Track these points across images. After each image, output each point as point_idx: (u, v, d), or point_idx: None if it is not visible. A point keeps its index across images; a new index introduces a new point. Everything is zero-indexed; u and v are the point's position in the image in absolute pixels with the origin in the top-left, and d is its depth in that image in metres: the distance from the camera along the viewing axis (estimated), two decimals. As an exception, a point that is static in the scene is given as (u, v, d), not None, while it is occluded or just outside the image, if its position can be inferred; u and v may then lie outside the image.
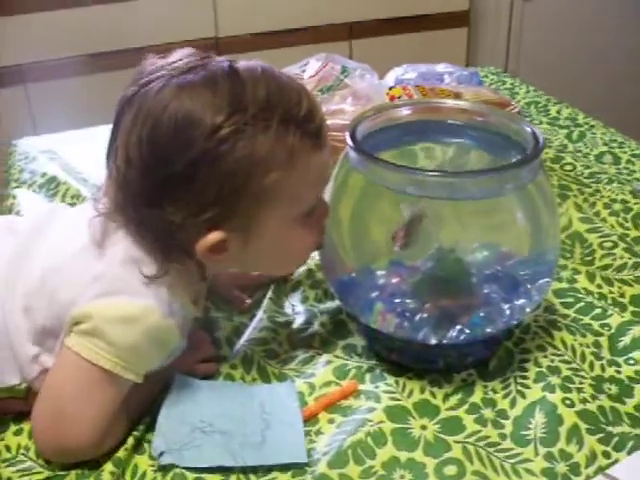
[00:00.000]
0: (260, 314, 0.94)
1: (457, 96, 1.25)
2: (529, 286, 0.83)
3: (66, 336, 0.73)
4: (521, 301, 0.83)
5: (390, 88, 1.28)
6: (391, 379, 0.84)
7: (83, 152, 1.38)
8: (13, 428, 0.78)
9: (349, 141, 0.79)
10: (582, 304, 0.95)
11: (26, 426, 0.78)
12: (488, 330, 0.81)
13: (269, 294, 0.97)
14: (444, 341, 0.81)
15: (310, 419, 0.78)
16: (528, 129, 0.81)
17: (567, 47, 2.73)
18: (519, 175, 0.76)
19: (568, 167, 1.31)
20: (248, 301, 0.96)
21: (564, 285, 0.99)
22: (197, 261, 0.76)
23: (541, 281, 0.83)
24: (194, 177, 0.70)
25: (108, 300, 0.72)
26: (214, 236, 0.73)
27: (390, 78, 1.44)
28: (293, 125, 0.72)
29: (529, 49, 2.73)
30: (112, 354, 0.71)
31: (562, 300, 0.96)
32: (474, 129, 0.89)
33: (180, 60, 0.74)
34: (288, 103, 0.72)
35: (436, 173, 0.74)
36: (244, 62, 0.74)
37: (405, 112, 0.90)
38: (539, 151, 0.76)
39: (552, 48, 2.71)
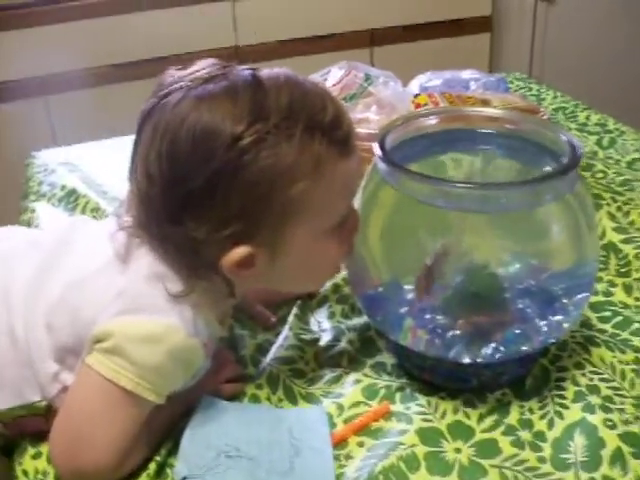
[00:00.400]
0: (285, 331, 0.91)
1: (485, 103, 1.21)
2: (566, 301, 0.80)
3: (87, 354, 0.70)
4: (558, 317, 0.79)
5: (415, 96, 1.25)
6: (423, 399, 0.80)
7: (103, 164, 1.36)
8: (31, 452, 0.76)
9: (378, 152, 0.76)
10: (620, 318, 0.92)
11: (44, 449, 0.76)
12: (524, 348, 0.78)
13: (294, 310, 0.94)
14: (478, 360, 0.78)
15: (340, 443, 0.75)
16: (564, 137, 0.78)
17: (592, 49, 2.68)
18: (557, 186, 0.73)
19: (599, 175, 1.27)
20: (273, 319, 0.93)
21: (600, 298, 0.95)
22: (224, 278, 0.73)
23: (579, 296, 0.80)
24: (215, 191, 0.67)
25: (130, 318, 0.70)
26: (240, 251, 0.70)
27: (414, 86, 1.41)
28: (319, 133, 0.69)
29: (553, 53, 2.68)
30: (134, 374, 0.69)
31: (599, 314, 0.92)
32: (506, 137, 0.86)
33: (200, 70, 0.71)
34: (312, 109, 0.69)
35: (471, 185, 0.71)
36: (267, 70, 0.72)
37: (434, 121, 0.87)
38: (577, 160, 0.73)
39: (577, 51, 2.66)
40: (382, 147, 0.77)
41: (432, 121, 0.86)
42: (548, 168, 0.81)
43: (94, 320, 0.71)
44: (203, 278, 0.72)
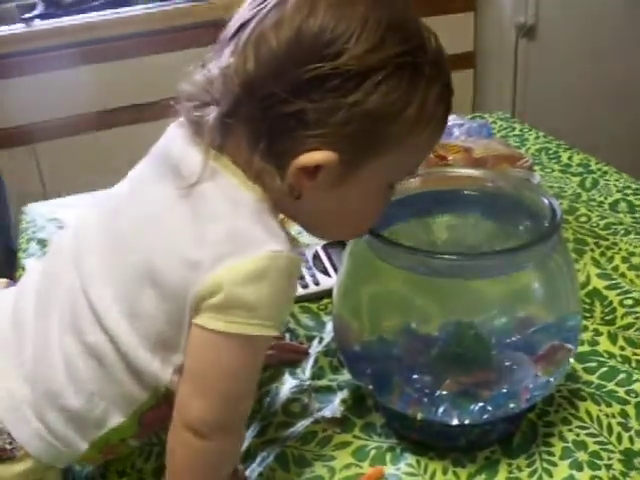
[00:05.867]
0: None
1: (467, 151, 1.23)
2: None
3: (195, 315, 0.66)
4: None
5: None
6: (412, 459, 0.81)
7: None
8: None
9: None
10: (605, 369, 0.92)
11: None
12: (511, 406, 0.79)
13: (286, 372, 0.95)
14: (465, 420, 0.79)
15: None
16: (544, 200, 0.80)
17: (574, 85, 2.69)
18: (538, 251, 0.74)
19: (583, 219, 1.28)
20: None
21: (586, 348, 0.96)
22: (288, 184, 0.68)
23: (564, 352, 0.81)
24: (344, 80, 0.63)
25: (230, 262, 0.65)
26: (322, 154, 0.65)
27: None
28: (438, 74, 0.68)
29: (536, 89, 2.70)
30: (254, 318, 0.65)
31: (584, 365, 0.93)
32: (484, 198, 0.88)
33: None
34: (422, 39, 0.67)
35: (449, 257, 0.73)
36: None
37: (416, 183, 0.88)
38: (557, 226, 0.74)
39: (559, 87, 2.68)
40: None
41: (414, 183, 0.88)
42: (521, 228, 0.84)
43: (188, 281, 0.65)
44: (267, 175, 0.67)
